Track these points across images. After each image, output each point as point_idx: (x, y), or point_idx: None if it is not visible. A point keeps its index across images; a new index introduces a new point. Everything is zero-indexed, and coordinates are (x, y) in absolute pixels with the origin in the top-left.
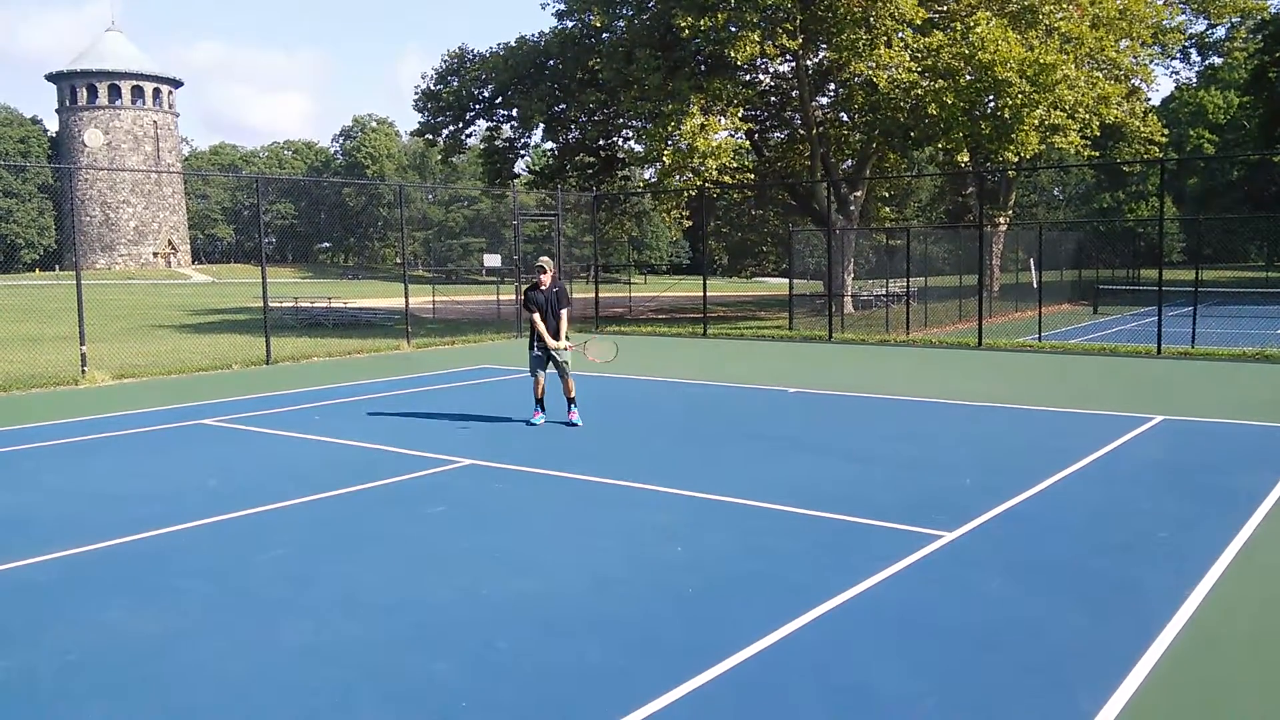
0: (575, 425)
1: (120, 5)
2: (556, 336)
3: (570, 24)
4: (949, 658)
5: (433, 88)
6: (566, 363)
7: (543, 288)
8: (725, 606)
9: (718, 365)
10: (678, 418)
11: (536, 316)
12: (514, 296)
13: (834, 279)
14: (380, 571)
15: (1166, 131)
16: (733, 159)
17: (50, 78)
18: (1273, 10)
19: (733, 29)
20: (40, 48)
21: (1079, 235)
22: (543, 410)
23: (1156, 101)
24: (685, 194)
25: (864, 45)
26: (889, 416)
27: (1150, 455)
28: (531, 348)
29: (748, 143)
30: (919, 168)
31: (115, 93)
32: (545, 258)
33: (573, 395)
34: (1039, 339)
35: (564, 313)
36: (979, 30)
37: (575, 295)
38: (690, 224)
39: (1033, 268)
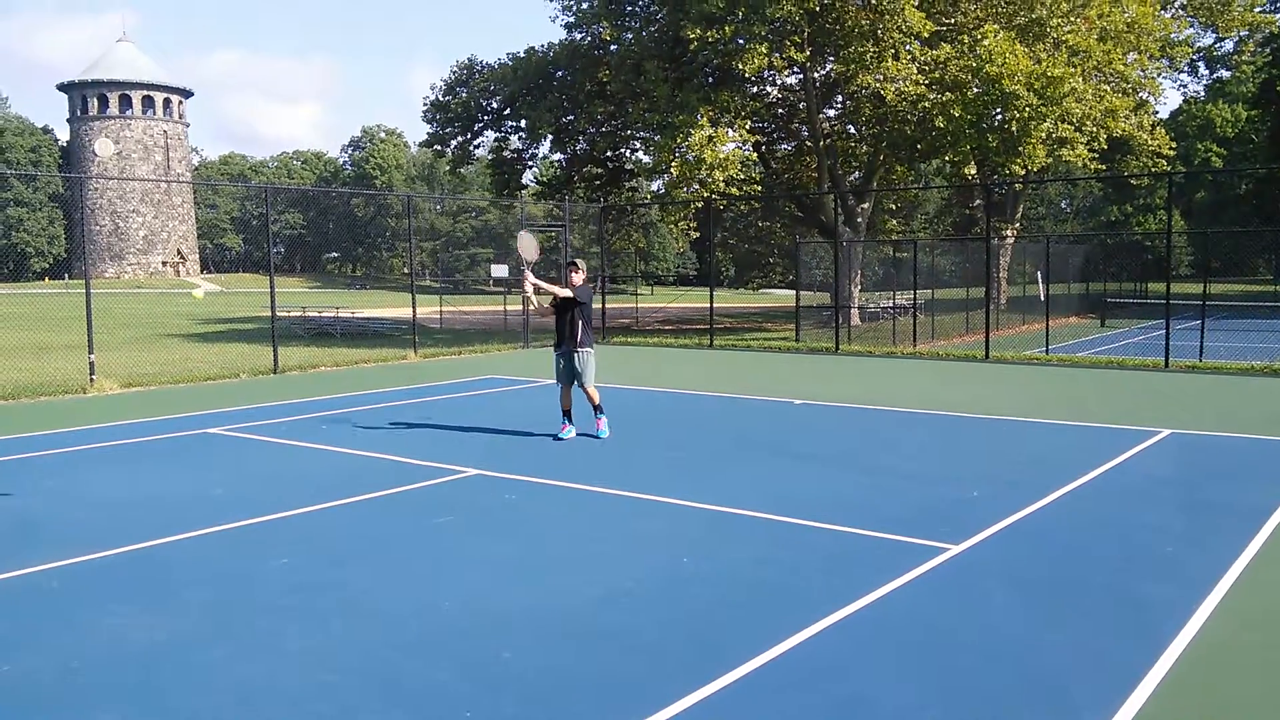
0: (598, 437)
1: (136, 15)
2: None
3: (579, 36)
4: (953, 671)
5: (441, 99)
6: (581, 372)
7: (574, 284)
8: (730, 618)
9: (724, 377)
10: (684, 429)
11: (555, 288)
12: (520, 307)
13: (841, 291)
14: (386, 580)
15: (1174, 145)
16: (740, 171)
17: (61, 88)
18: None
19: (740, 41)
20: (54, 58)
21: (1086, 248)
22: (570, 423)
23: (1164, 115)
24: (692, 205)
25: (871, 58)
26: (895, 429)
27: (1157, 469)
28: (556, 354)
29: (755, 155)
30: (926, 180)
31: (126, 103)
32: (580, 260)
33: (597, 403)
34: (1046, 352)
35: (576, 303)
36: (986, 43)
37: None
38: (697, 235)
39: (1040, 280)
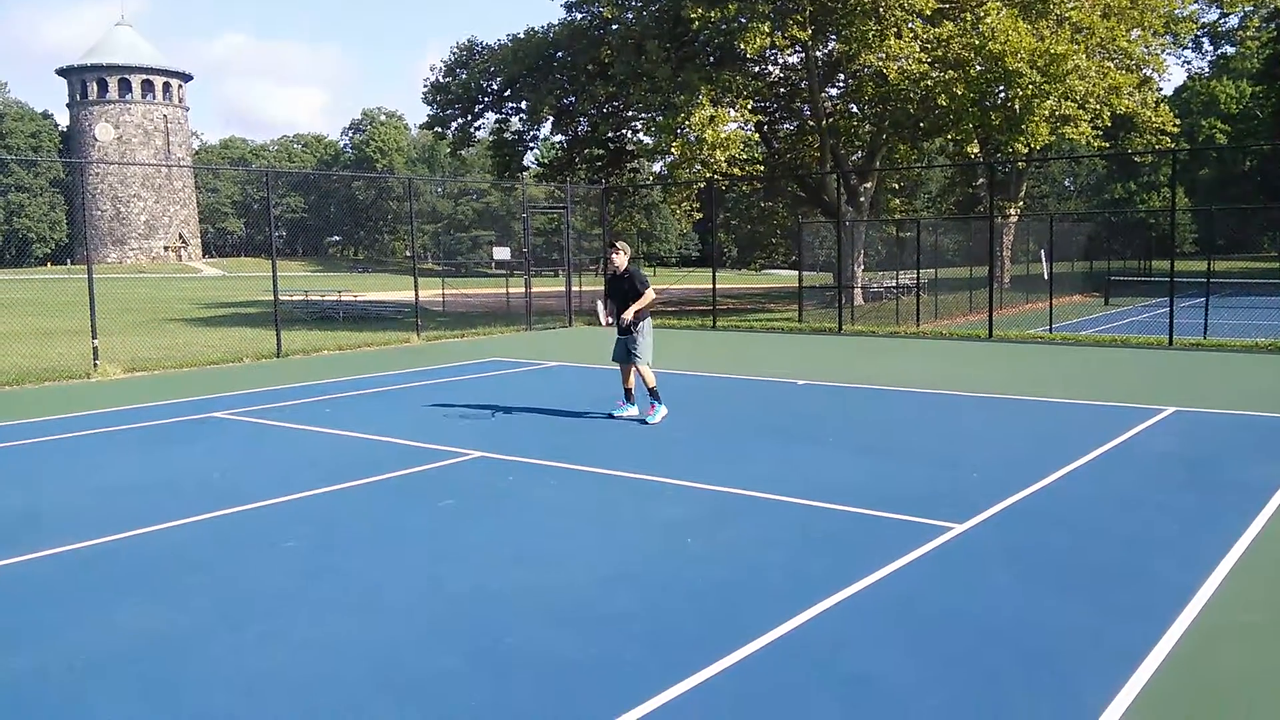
0: (645, 423)
1: None
2: (619, 318)
3: (579, 16)
4: (957, 650)
5: (441, 80)
6: (636, 354)
7: (616, 272)
8: (734, 599)
9: (726, 358)
10: (687, 410)
11: (599, 305)
12: (523, 290)
13: (844, 271)
14: (390, 565)
15: (1178, 122)
16: (742, 151)
17: (61, 72)
18: None
19: (742, 20)
20: (54, 42)
21: (1090, 226)
22: (628, 402)
23: (1168, 91)
24: (695, 186)
25: (874, 36)
26: (899, 408)
27: (1162, 447)
28: (618, 335)
29: (757, 134)
30: (929, 159)
31: (125, 87)
32: (621, 241)
33: (651, 386)
34: (1050, 330)
35: (642, 297)
36: (989, 20)
37: (585, 288)
38: (700, 216)
39: (1043, 259)
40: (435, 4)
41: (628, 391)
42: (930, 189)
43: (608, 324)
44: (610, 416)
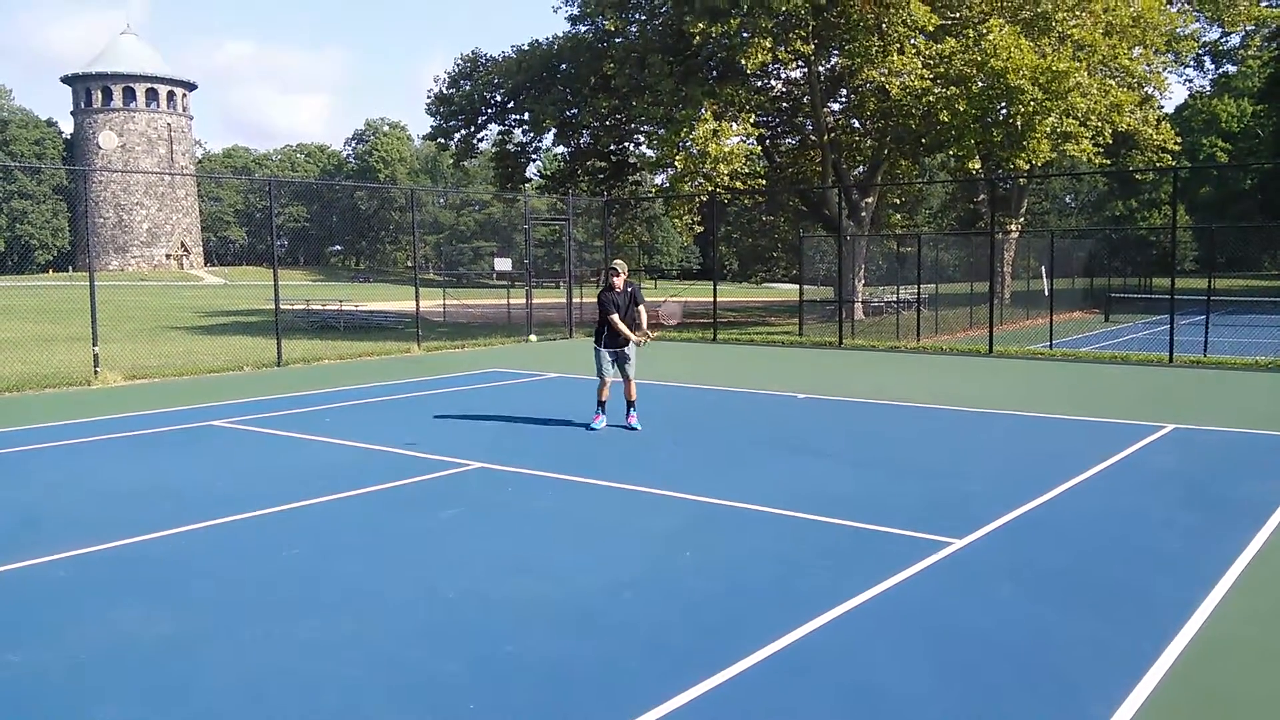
0: (634, 429)
1: (145, 6)
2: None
3: (583, 29)
4: (957, 664)
5: (445, 91)
6: (629, 368)
7: (616, 290)
8: (732, 611)
9: (727, 371)
10: (687, 423)
11: (615, 317)
12: (524, 301)
13: (844, 285)
14: (390, 573)
15: (1179, 140)
16: (744, 164)
17: (65, 80)
18: None
19: (745, 35)
20: (61, 50)
21: (1091, 243)
22: (604, 414)
23: (1170, 109)
24: (696, 199)
25: (876, 52)
26: (898, 423)
27: (1161, 464)
28: (597, 349)
29: (759, 148)
30: (930, 175)
31: (129, 95)
32: (619, 260)
33: (633, 399)
34: (1050, 346)
35: (641, 309)
36: (991, 37)
37: (586, 300)
38: (701, 230)
39: (1044, 275)
40: (439, 15)
41: (602, 404)
42: (931, 204)
43: (643, 342)
44: (588, 429)
